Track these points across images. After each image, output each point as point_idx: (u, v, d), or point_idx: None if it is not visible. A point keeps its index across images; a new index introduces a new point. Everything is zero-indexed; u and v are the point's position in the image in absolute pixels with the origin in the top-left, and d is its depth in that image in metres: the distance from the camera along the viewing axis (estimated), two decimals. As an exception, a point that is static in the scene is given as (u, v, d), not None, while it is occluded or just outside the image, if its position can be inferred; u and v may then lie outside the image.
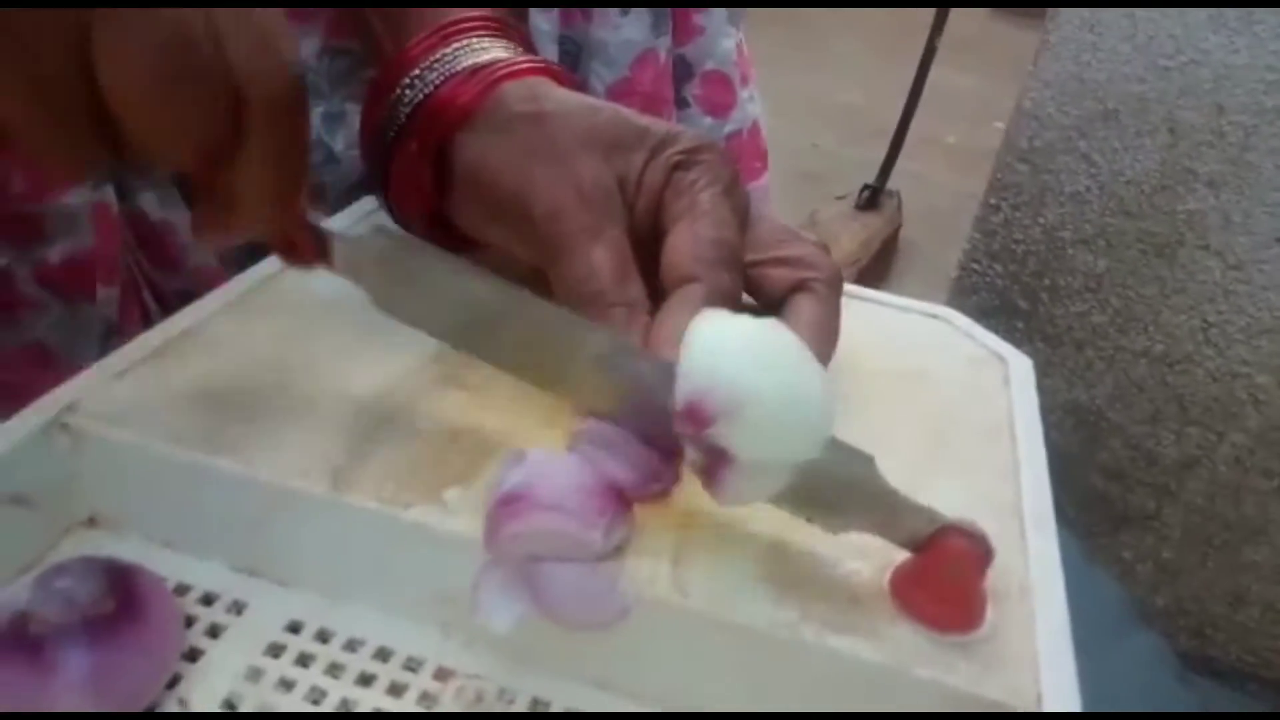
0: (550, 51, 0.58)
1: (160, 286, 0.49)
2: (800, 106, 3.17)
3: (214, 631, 0.29)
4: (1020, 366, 0.43)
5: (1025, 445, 0.37)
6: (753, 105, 0.72)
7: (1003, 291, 0.75)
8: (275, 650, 0.28)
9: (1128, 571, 0.82)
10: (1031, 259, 0.74)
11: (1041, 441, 0.38)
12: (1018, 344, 0.77)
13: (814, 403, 0.27)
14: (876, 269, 2.28)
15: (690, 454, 0.27)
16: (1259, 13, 0.61)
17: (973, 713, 0.26)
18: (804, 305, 0.35)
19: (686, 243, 0.34)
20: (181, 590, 0.30)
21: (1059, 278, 0.73)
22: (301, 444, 0.30)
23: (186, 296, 0.38)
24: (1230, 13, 0.61)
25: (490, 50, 0.39)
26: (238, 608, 0.29)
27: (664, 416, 0.27)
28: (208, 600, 0.30)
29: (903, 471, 0.32)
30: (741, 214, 0.36)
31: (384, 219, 0.46)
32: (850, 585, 0.29)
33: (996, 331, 0.46)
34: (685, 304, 0.32)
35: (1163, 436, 0.76)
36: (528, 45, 0.42)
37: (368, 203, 0.47)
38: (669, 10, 0.62)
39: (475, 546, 0.27)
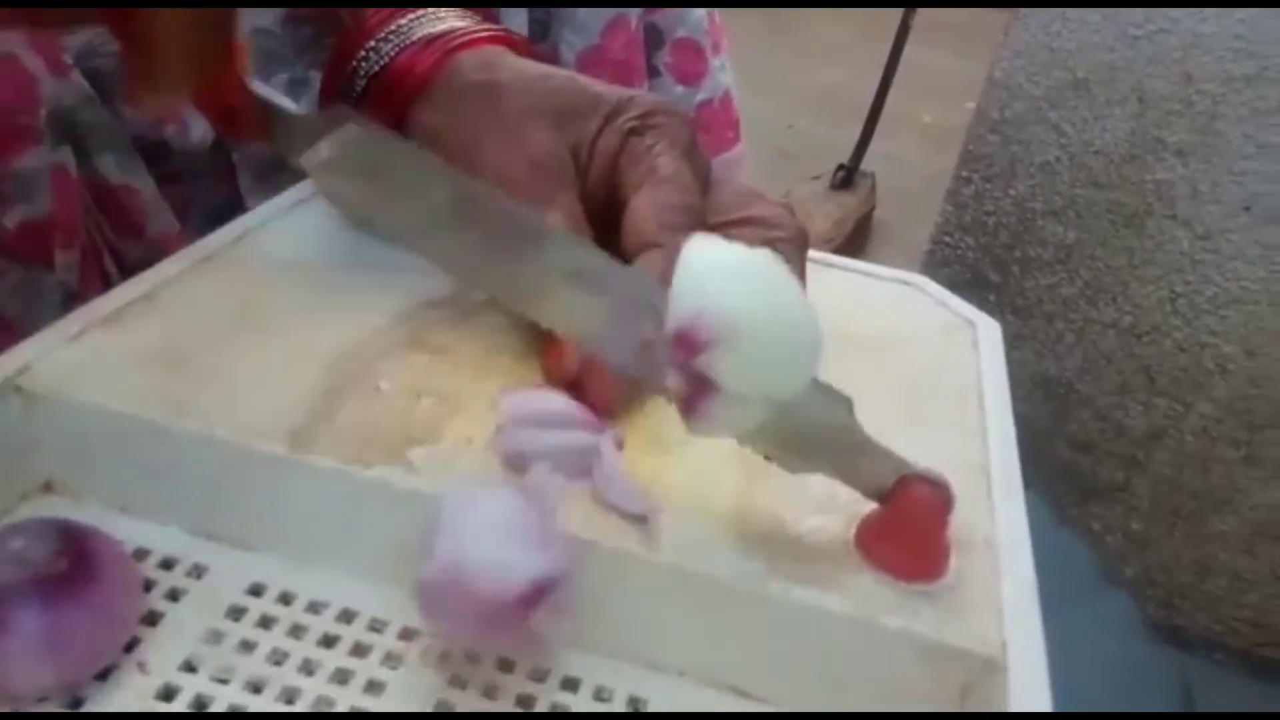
0: (520, 19, 0.58)
1: (122, 254, 0.48)
2: (776, 87, 3.16)
3: (174, 595, 0.28)
4: (989, 331, 0.43)
5: (993, 407, 0.37)
6: (724, 74, 0.72)
7: (974, 264, 0.75)
8: (236, 613, 0.28)
9: (1097, 542, 0.83)
10: (1003, 231, 0.74)
11: (1009, 404, 0.38)
12: (989, 316, 0.78)
13: (806, 339, 0.26)
14: (850, 249, 2.28)
15: (672, 380, 0.26)
16: (1226, -19, 0.61)
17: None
18: None
19: (647, 208, 0.33)
20: (140, 555, 0.29)
21: (1029, 249, 0.74)
22: (260, 405, 0.29)
23: (149, 265, 0.37)
24: (1198, -19, 0.61)
25: (446, 20, 0.39)
26: (198, 571, 0.29)
27: (633, 340, 0.27)
28: (167, 565, 0.29)
29: (874, 431, 0.32)
30: (702, 176, 0.36)
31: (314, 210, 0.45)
32: (816, 538, 0.28)
33: (968, 303, 0.46)
34: (647, 270, 0.32)
35: (1131, 408, 0.76)
36: (488, 16, 0.41)
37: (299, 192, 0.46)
38: (640, -23, 0.61)
39: (431, 503, 0.27)
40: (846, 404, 0.28)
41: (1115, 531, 0.82)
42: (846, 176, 2.33)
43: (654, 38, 0.66)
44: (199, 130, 0.52)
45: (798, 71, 3.32)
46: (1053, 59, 0.67)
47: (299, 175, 0.54)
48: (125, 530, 0.29)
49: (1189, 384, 0.74)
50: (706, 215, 0.35)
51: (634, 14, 0.63)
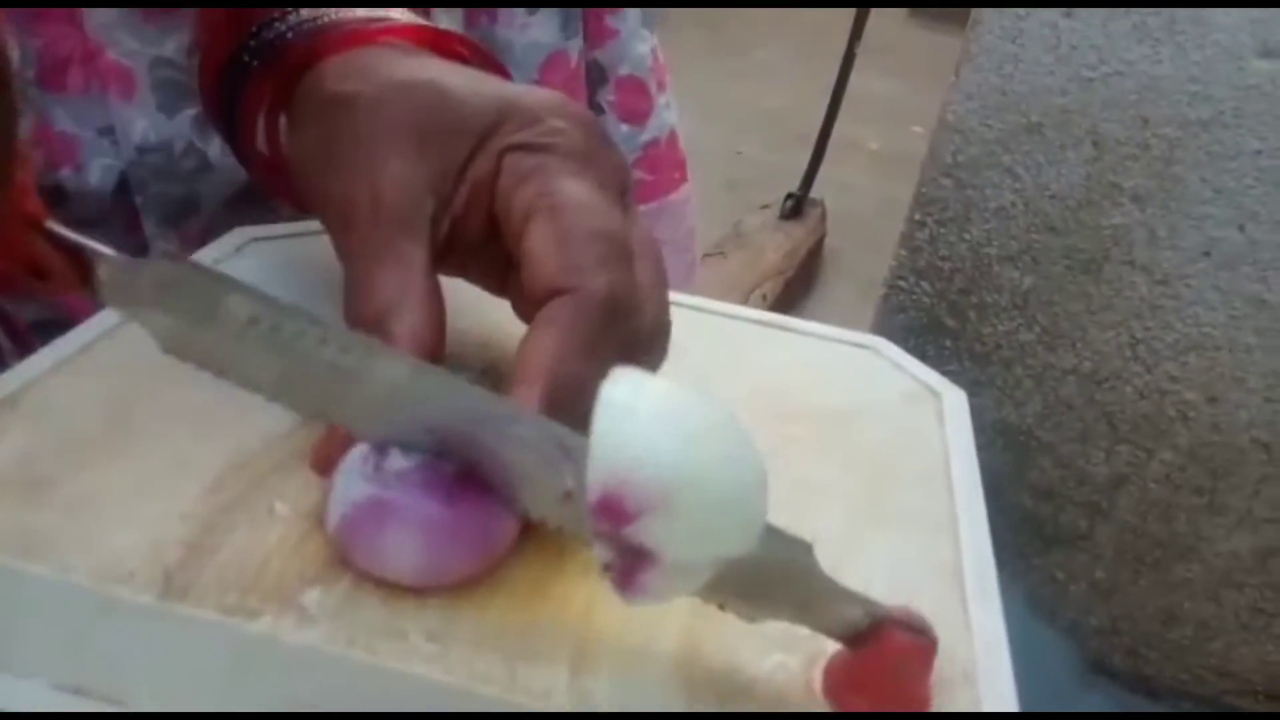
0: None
1: (13, 318, 0.44)
2: (723, 113, 3.16)
3: (27, 766, 0.24)
4: (954, 401, 0.40)
5: (963, 494, 0.34)
6: (669, 113, 0.69)
7: (930, 309, 0.73)
8: (101, 786, 0.24)
9: (1060, 592, 0.80)
10: (958, 276, 0.72)
11: (979, 487, 0.35)
12: (946, 362, 0.76)
13: (752, 486, 0.23)
14: (802, 280, 2.27)
15: (600, 552, 0.23)
16: (1181, 22, 0.59)
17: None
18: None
19: (545, 245, 0.27)
20: (-8, 718, 0.25)
21: (986, 295, 0.71)
22: (130, 540, 0.25)
23: (47, 329, 0.32)
24: (1153, 22, 0.59)
25: (344, 12, 0.34)
26: (57, 736, 0.25)
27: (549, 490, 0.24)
28: (21, 728, 0.25)
29: (836, 527, 0.29)
30: (613, 189, 0.29)
31: (259, 251, 0.41)
32: (776, 682, 0.25)
33: (925, 350, 0.43)
34: (548, 328, 0.26)
35: (1093, 455, 0.74)
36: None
37: (238, 235, 0.42)
38: (579, 11, 0.58)
39: (338, 662, 0.23)
40: (805, 548, 0.24)
41: (1079, 580, 0.80)
42: (796, 205, 2.32)
43: (596, 75, 0.63)
44: (97, 173, 0.48)
45: (742, 94, 3.32)
46: (1005, 102, 0.65)
47: (209, 221, 0.50)
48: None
49: (1151, 431, 0.72)
50: (629, 235, 0.29)
51: (574, 50, 0.59)
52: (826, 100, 2.24)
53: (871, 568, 0.29)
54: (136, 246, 0.49)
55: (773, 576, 0.24)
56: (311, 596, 0.25)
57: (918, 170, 0.70)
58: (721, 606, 0.25)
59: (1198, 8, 0.58)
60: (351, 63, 0.31)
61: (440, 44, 0.35)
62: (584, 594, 0.26)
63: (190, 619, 0.24)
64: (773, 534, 0.24)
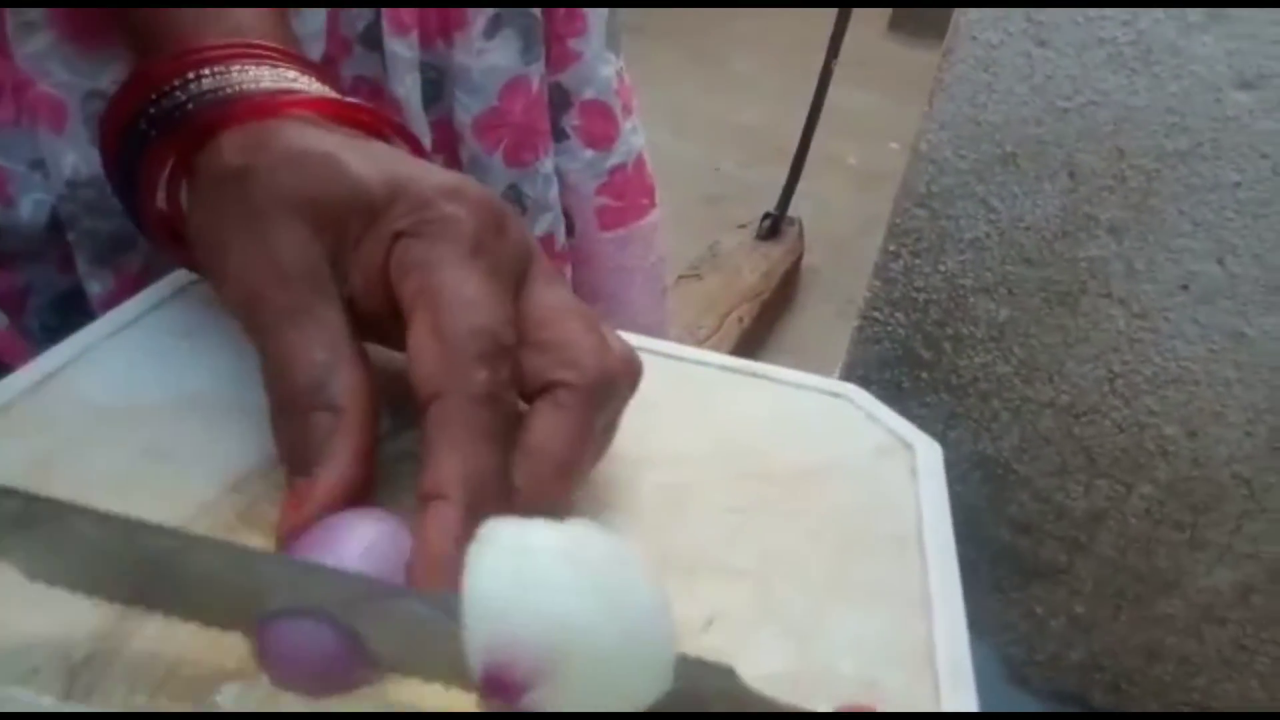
0: (410, 80, 0.52)
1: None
2: (699, 127, 3.16)
3: None
4: (928, 454, 0.39)
5: (936, 564, 0.33)
6: (636, 137, 0.67)
7: (905, 341, 0.71)
8: None
9: (1040, 626, 0.79)
10: (933, 308, 0.70)
11: (954, 554, 0.33)
12: (922, 394, 0.74)
13: (654, 632, 0.21)
14: (779, 301, 2.26)
15: None
16: (1158, 52, 0.58)
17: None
18: (537, 420, 0.28)
19: (424, 343, 0.27)
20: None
21: (961, 327, 0.70)
22: (33, 631, 0.23)
23: None
24: (1129, 52, 0.58)
25: (272, 80, 0.33)
26: None
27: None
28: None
29: (802, 602, 0.28)
30: (506, 276, 0.28)
31: (200, 292, 0.40)
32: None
33: (900, 382, 0.42)
34: (435, 434, 0.26)
35: (1071, 489, 0.73)
36: (322, 74, 0.36)
37: (179, 277, 0.41)
38: (540, 35, 0.56)
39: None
40: (726, 674, 0.22)
41: (1059, 615, 0.79)
42: (773, 225, 2.32)
43: (560, 99, 0.62)
44: (29, 207, 0.46)
45: (718, 109, 3.32)
46: (979, 132, 0.64)
47: (144, 256, 0.48)
48: None
49: (1130, 465, 0.70)
50: (512, 330, 0.28)
51: (535, 74, 0.58)
52: (804, 115, 2.24)
53: (837, 646, 0.28)
54: (70, 284, 0.47)
55: (697, 703, 0.22)
56: (229, 693, 0.23)
57: (894, 187, 0.69)
58: None
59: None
60: (251, 135, 0.30)
61: (348, 115, 0.34)
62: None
63: (90, 723, 0.22)
64: (688, 665, 0.22)
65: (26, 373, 0.33)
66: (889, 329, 0.71)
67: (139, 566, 0.23)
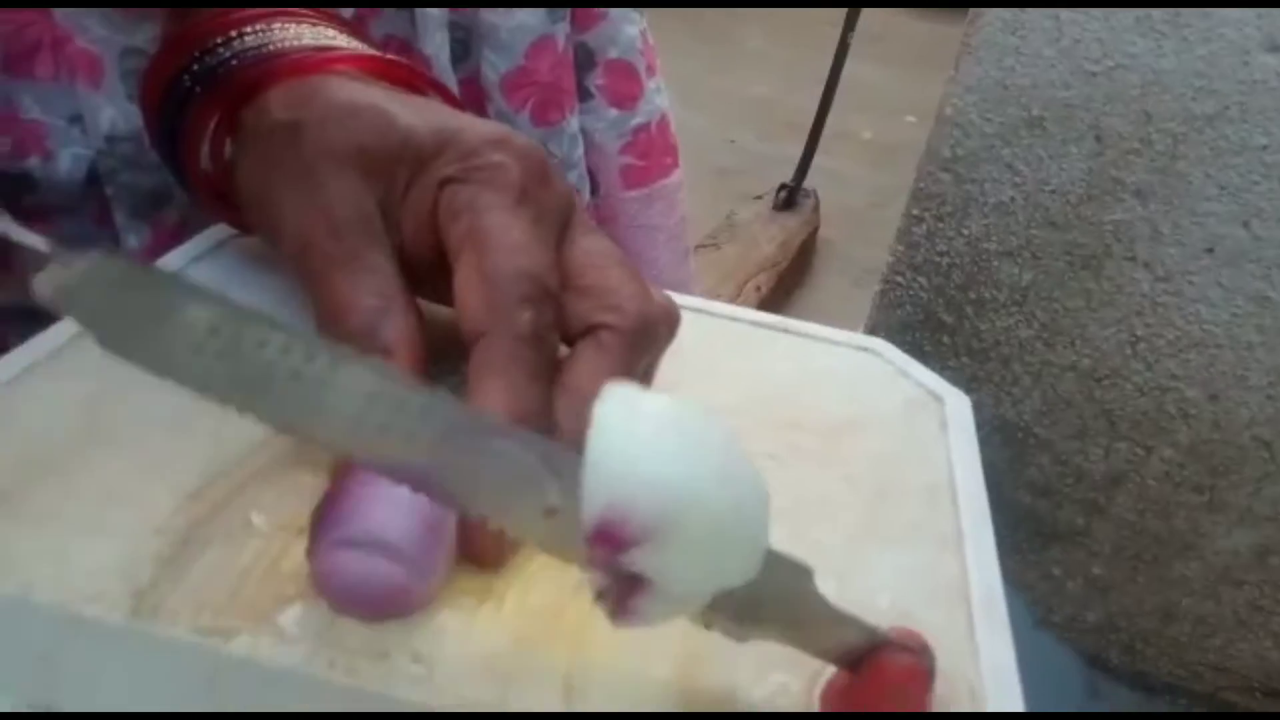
0: (439, 38, 0.53)
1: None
2: (712, 102, 3.14)
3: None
4: (958, 407, 0.39)
5: (968, 508, 0.33)
6: (660, 97, 0.67)
7: (927, 305, 0.72)
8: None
9: (1058, 588, 0.80)
10: (956, 271, 0.71)
11: (985, 500, 0.34)
12: (944, 358, 0.75)
13: (756, 515, 0.22)
14: (795, 271, 2.26)
15: (594, 579, 0.21)
16: (1186, 15, 0.58)
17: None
18: (579, 360, 0.28)
19: (470, 284, 0.27)
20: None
21: (984, 290, 0.70)
22: (98, 556, 0.24)
23: (20, 315, 0.31)
24: (1157, 15, 0.58)
25: (312, 37, 0.33)
26: (27, 758, 0.23)
27: (530, 508, 0.22)
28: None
29: (838, 543, 0.28)
30: (551, 224, 0.29)
31: (238, 247, 0.40)
32: (777, 704, 0.24)
33: (922, 346, 0.42)
34: (480, 371, 0.26)
35: (1091, 452, 0.73)
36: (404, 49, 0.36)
37: (218, 231, 0.41)
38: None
39: (317, 685, 0.22)
40: (805, 574, 0.23)
41: (1076, 576, 0.79)
42: (789, 196, 2.31)
43: (585, 59, 0.62)
44: (67, 161, 0.46)
45: (730, 83, 3.30)
46: (1006, 95, 0.64)
47: (183, 214, 0.49)
48: (-67, 711, 0.24)
49: (1150, 428, 0.71)
50: (555, 274, 0.28)
51: (561, 33, 0.58)
52: (817, 88, 2.22)
53: (874, 585, 0.28)
54: (109, 238, 0.48)
55: (767, 600, 0.23)
56: (290, 615, 0.23)
57: (911, 160, 0.69)
58: (708, 626, 0.24)
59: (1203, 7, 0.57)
60: (296, 91, 0.31)
61: (389, 73, 0.34)
62: (574, 612, 0.25)
63: (162, 640, 0.23)
64: (773, 559, 0.23)
65: (64, 325, 0.33)
66: (911, 293, 0.71)
67: (236, 363, 0.23)
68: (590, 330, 0.29)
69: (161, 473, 0.27)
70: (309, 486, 0.27)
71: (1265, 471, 0.69)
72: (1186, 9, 0.58)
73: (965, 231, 0.68)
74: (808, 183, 2.35)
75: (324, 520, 0.24)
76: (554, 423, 0.28)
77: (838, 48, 2.15)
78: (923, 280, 0.71)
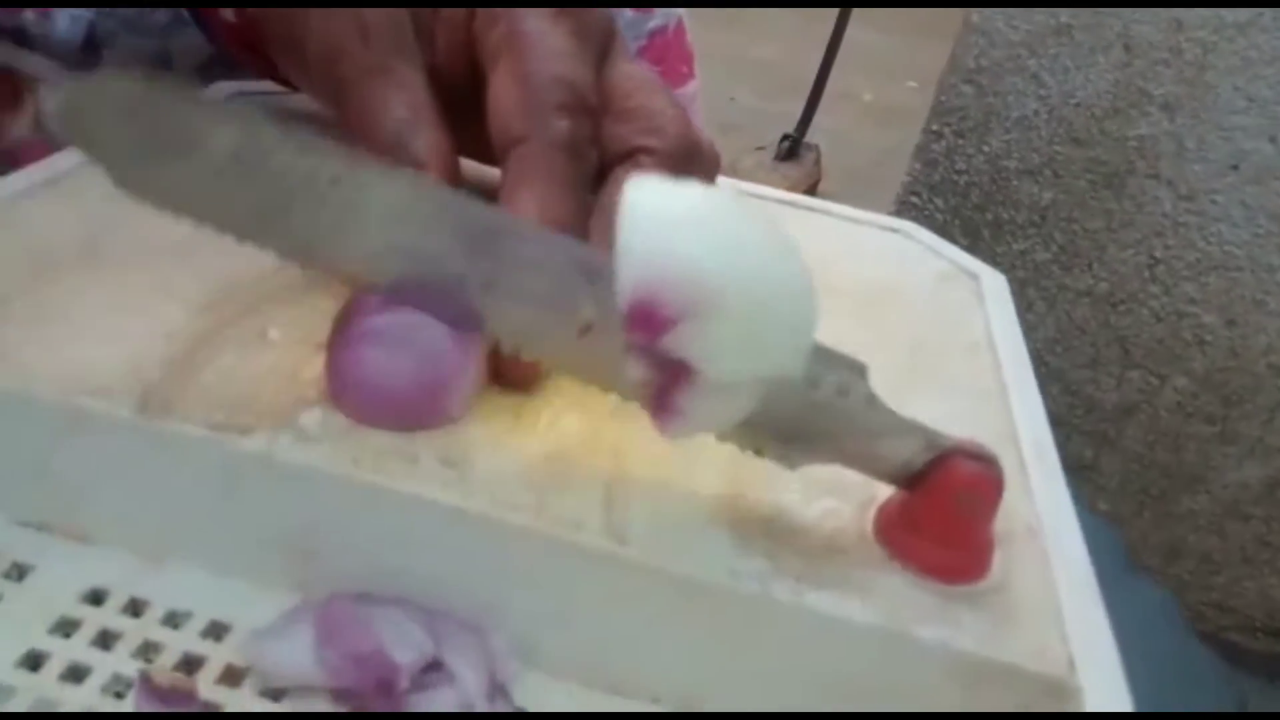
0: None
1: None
2: (715, 61, 3.10)
3: (-17, 603, 0.21)
4: (994, 283, 0.38)
5: (1010, 364, 0.32)
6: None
7: (943, 227, 0.70)
8: (68, 627, 0.21)
9: (1063, 522, 0.79)
10: (974, 191, 0.69)
11: (1029, 363, 0.33)
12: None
13: (801, 297, 0.20)
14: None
15: (634, 369, 0.20)
16: (1223, -82, 0.56)
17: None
18: (616, 184, 0.27)
19: (506, 88, 0.26)
20: (-59, 550, 0.22)
21: (1002, 211, 0.69)
22: (102, 356, 0.22)
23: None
24: (1193, -83, 0.57)
25: None
26: (19, 571, 0.22)
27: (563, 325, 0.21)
28: (-24, 563, 0.22)
29: (883, 392, 0.27)
30: (591, 41, 0.28)
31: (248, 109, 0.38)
32: (827, 528, 0.22)
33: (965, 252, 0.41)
34: (513, 180, 0.25)
35: (1103, 381, 0.72)
36: None
37: (218, 90, 0.39)
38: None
39: (341, 484, 0.21)
40: (858, 370, 0.22)
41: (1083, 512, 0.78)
42: (791, 147, 2.29)
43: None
44: (65, 21, 0.44)
45: (733, 43, 3.26)
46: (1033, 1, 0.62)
47: (184, 78, 0.47)
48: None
49: (1165, 356, 0.70)
50: (594, 89, 0.27)
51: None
52: (817, 51, 2.20)
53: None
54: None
55: (819, 410, 0.21)
56: (311, 416, 0.22)
57: (912, 124, 0.67)
58: (759, 452, 0.22)
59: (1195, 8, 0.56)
60: None
61: None
62: (612, 433, 0.24)
63: (172, 436, 0.21)
64: (821, 355, 0.21)
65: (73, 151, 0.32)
66: (926, 214, 0.70)
67: (262, 189, 0.21)
68: (630, 154, 0.28)
69: (169, 289, 0.26)
70: (327, 311, 0.25)
71: (1279, 401, 0.68)
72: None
73: (985, 148, 0.67)
74: (810, 140, 2.32)
75: (347, 320, 0.23)
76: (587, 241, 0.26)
77: (840, 12, 2.12)
78: (939, 201, 0.70)
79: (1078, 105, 0.63)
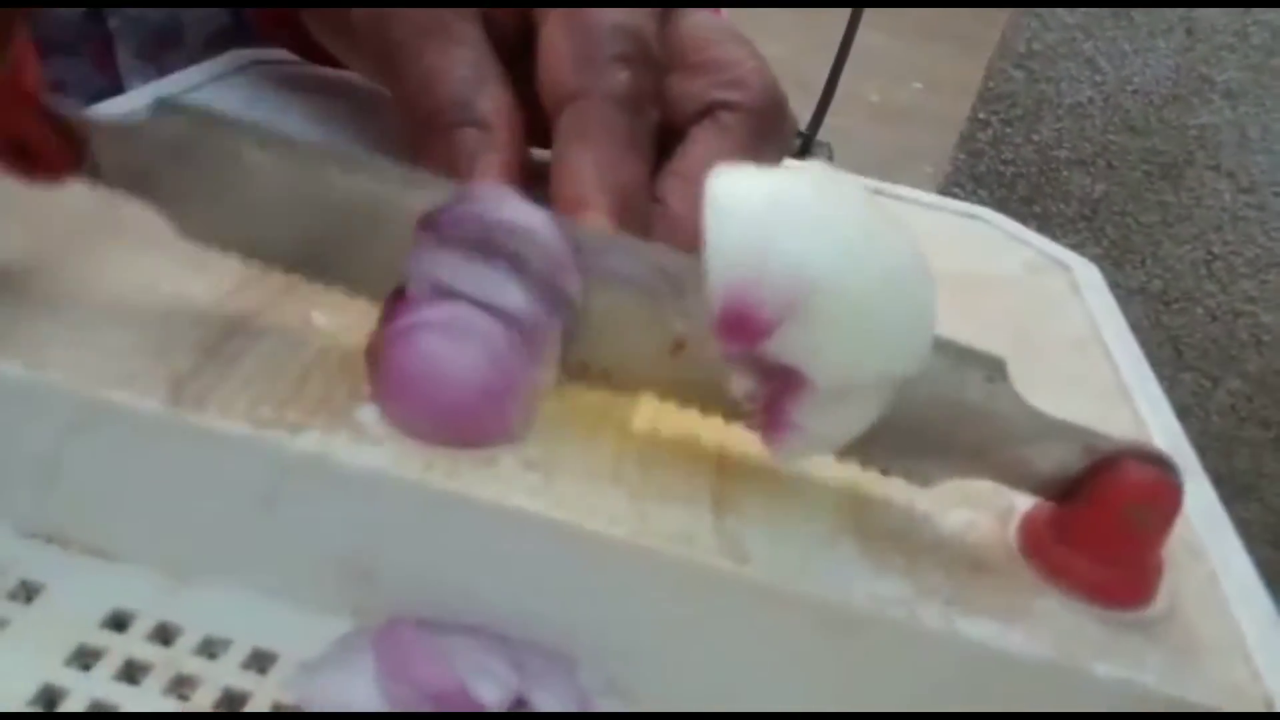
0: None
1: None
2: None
3: (-13, 628, 0.18)
4: (1088, 274, 0.35)
5: (1126, 363, 0.29)
6: None
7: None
8: (87, 658, 0.18)
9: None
10: (1021, 182, 0.66)
11: (1144, 360, 0.30)
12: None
13: (914, 286, 0.17)
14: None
15: (739, 384, 0.17)
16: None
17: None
18: (697, 143, 0.24)
19: (558, 40, 0.23)
20: (-60, 565, 0.19)
21: (1051, 204, 0.66)
22: (126, 340, 0.19)
23: None
24: (1264, -108, 0.54)
25: None
26: (27, 592, 0.19)
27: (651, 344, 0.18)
28: (-18, 580, 0.19)
29: None
30: None
31: (260, 75, 0.35)
32: (967, 543, 0.19)
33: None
34: (567, 138, 0.22)
35: (1153, 382, 0.69)
36: None
37: (236, 57, 0.36)
38: None
39: (411, 490, 0.17)
40: (996, 366, 0.19)
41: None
42: (804, 144, 2.26)
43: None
44: (67, -8, 0.42)
45: (742, 45, 3.23)
46: (1090, -17, 0.59)
47: (189, 56, 0.44)
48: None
49: (1219, 356, 0.67)
50: (657, 42, 0.24)
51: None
52: (822, 51, 2.18)
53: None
54: (109, 82, 0.43)
55: (954, 414, 0.18)
56: (371, 412, 0.19)
57: (918, 125, 0.64)
58: (885, 472, 0.19)
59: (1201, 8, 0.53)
60: None
61: None
62: (712, 434, 0.20)
63: (208, 433, 0.18)
64: (948, 350, 0.18)
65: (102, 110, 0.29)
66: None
67: (324, 214, 0.19)
68: (709, 110, 0.25)
69: (199, 266, 0.22)
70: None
71: (1339, 405, 0.65)
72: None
73: (1035, 137, 0.64)
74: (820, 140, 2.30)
75: (399, 305, 0.19)
76: (655, 208, 0.23)
77: (851, 12, 2.10)
78: (983, 193, 0.67)
79: (1135, 92, 0.60)
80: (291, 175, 0.19)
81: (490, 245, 0.19)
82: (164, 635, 0.18)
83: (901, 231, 0.17)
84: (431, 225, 0.19)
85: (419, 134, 0.24)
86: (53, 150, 0.19)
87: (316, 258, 0.20)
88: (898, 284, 0.17)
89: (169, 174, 0.19)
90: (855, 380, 0.17)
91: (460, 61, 0.24)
